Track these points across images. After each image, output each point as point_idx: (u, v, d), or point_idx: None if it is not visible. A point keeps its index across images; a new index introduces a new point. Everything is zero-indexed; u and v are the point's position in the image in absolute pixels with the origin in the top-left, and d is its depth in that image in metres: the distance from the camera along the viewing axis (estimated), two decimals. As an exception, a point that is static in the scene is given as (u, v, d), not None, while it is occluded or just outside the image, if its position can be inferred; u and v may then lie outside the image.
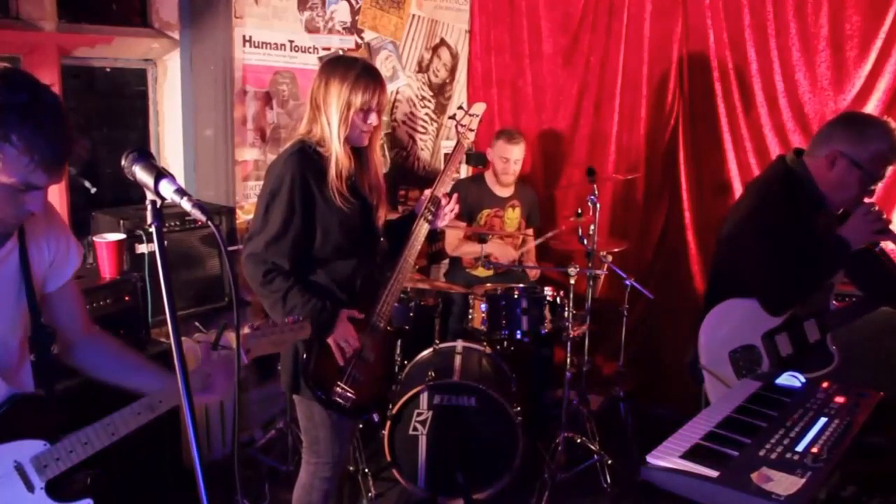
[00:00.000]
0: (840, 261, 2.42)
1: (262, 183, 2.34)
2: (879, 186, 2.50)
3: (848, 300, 2.78)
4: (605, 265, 3.61)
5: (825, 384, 2.01)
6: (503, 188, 4.10)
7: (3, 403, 1.54)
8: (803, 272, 2.39)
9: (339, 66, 2.25)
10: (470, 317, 3.56)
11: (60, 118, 1.39)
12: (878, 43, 3.51)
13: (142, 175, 1.33)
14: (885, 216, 2.40)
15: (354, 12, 4.11)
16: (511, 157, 3.98)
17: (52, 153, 1.37)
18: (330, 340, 2.25)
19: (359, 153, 2.32)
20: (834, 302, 2.61)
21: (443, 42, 4.70)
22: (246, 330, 1.79)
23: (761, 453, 1.60)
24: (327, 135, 2.23)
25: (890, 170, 2.43)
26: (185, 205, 1.29)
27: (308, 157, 2.23)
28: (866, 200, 2.47)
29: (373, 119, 2.26)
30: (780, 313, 2.48)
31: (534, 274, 4.13)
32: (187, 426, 1.27)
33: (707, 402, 2.53)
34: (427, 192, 2.50)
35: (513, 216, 4.16)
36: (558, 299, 3.54)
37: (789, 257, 2.39)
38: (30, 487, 1.53)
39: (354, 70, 2.23)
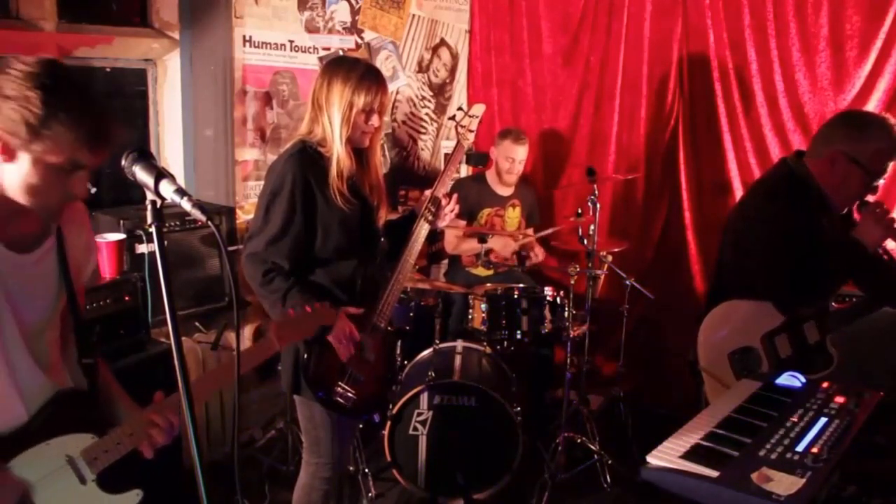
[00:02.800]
0: (858, 263, 2.42)
1: (262, 183, 2.35)
2: (882, 183, 2.49)
3: (848, 301, 2.78)
4: (605, 265, 3.61)
5: (825, 384, 2.01)
6: (504, 187, 4.11)
7: (50, 399, 1.58)
8: (821, 277, 2.39)
9: (341, 67, 2.25)
10: (470, 317, 3.56)
11: (102, 101, 1.48)
12: (878, 43, 3.52)
13: (142, 175, 1.33)
14: (891, 214, 2.40)
15: (354, 12, 4.12)
16: (517, 157, 3.99)
17: (98, 129, 1.43)
18: (331, 338, 2.25)
19: (359, 154, 2.32)
20: (833, 304, 2.61)
21: (443, 42, 4.70)
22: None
23: (761, 453, 1.60)
24: (329, 135, 2.23)
25: (892, 166, 2.43)
26: (185, 205, 1.29)
27: (309, 158, 2.23)
28: (870, 198, 2.47)
29: (374, 120, 2.26)
30: (791, 311, 2.47)
31: (541, 253, 4.07)
32: (187, 426, 1.27)
33: (707, 403, 2.52)
34: (427, 192, 2.50)
35: (513, 215, 4.16)
36: (558, 299, 3.54)
37: (800, 258, 2.40)
38: (82, 480, 1.57)
39: (357, 71, 2.23)
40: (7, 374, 1.51)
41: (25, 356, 1.55)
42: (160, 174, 1.31)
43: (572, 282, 3.41)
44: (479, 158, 4.26)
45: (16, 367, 1.53)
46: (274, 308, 2.23)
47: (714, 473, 1.51)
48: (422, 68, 4.60)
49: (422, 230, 2.46)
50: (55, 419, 1.57)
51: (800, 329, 2.49)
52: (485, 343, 3.52)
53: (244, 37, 3.58)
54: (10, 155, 1.40)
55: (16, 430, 1.54)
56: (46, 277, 1.58)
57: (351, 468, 3.20)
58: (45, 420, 1.56)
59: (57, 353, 1.64)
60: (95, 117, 1.43)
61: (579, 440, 3.48)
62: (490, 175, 4.14)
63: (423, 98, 4.65)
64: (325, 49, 3.96)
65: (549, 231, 3.85)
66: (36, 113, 1.36)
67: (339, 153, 2.22)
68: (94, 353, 1.69)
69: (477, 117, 2.70)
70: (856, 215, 2.51)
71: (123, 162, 1.37)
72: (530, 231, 4.19)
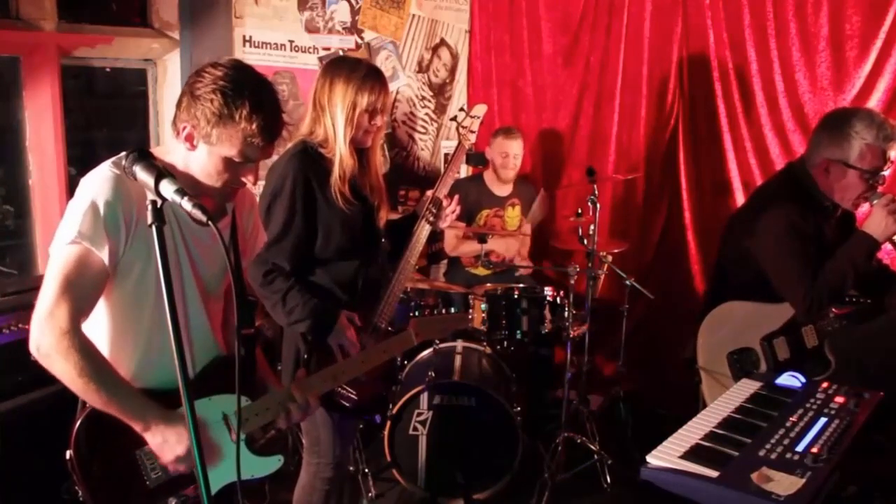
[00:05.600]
0: (871, 258, 2.42)
1: (262, 183, 2.34)
2: (887, 174, 2.47)
3: (847, 306, 2.77)
4: (605, 265, 3.61)
5: (825, 384, 2.01)
6: (502, 187, 4.11)
7: (213, 360, 1.77)
8: (835, 275, 2.39)
9: (343, 67, 2.25)
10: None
11: (277, 100, 1.65)
12: (878, 43, 3.52)
13: (142, 175, 1.33)
14: None
15: (354, 12, 4.11)
16: (511, 152, 3.99)
17: (266, 131, 1.59)
18: (331, 341, 2.25)
19: (360, 154, 2.32)
20: (833, 310, 2.61)
21: (443, 42, 4.70)
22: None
23: (761, 453, 1.60)
24: (331, 135, 2.23)
25: (892, 154, 2.42)
26: (186, 205, 1.29)
27: (310, 158, 2.23)
28: (880, 190, 2.45)
29: (377, 120, 2.26)
30: (813, 316, 2.47)
31: (530, 272, 4.11)
32: (187, 426, 1.28)
33: (704, 402, 2.53)
34: (429, 193, 2.50)
35: (513, 214, 4.16)
36: (558, 299, 3.54)
37: (816, 260, 2.41)
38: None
39: (360, 71, 2.23)
40: (183, 327, 1.65)
41: (202, 315, 1.75)
42: (160, 174, 1.31)
43: (572, 282, 3.41)
44: (479, 159, 4.26)
45: (191, 323, 1.72)
46: (275, 308, 2.23)
47: (714, 473, 1.51)
48: (422, 68, 4.60)
49: (423, 231, 2.46)
50: (216, 379, 1.72)
51: (799, 333, 2.49)
52: (485, 343, 3.52)
53: (244, 37, 3.58)
54: (193, 145, 1.60)
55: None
56: (219, 251, 1.73)
57: (351, 468, 3.20)
58: (208, 378, 1.73)
59: (220, 320, 1.84)
60: (265, 122, 1.58)
61: (579, 440, 3.48)
62: (488, 175, 4.14)
63: (423, 98, 4.65)
64: (325, 49, 3.96)
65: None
66: (215, 113, 1.56)
67: (341, 154, 2.22)
68: (253, 324, 1.86)
69: (478, 118, 2.69)
70: (869, 207, 2.49)
71: (124, 162, 1.37)
72: (527, 229, 4.19)
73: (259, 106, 1.57)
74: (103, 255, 1.53)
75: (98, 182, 1.57)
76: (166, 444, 1.59)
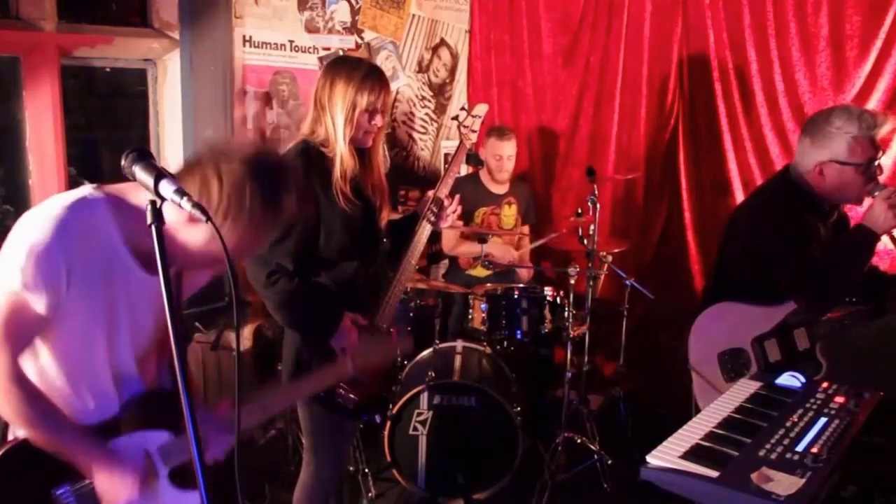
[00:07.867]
0: (871, 251, 2.40)
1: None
2: (882, 161, 2.45)
3: (841, 309, 2.76)
4: (605, 265, 3.61)
5: (825, 384, 2.01)
6: (498, 185, 4.11)
7: (137, 396, 1.69)
8: (839, 270, 2.38)
9: (344, 67, 2.25)
10: (470, 317, 3.56)
11: (286, 210, 1.54)
12: (878, 43, 3.52)
13: (142, 175, 1.33)
14: None
15: (354, 12, 4.12)
16: (503, 154, 3.98)
17: (268, 237, 1.58)
18: (333, 343, 2.24)
19: (361, 154, 2.32)
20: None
21: (443, 42, 4.70)
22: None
23: (761, 453, 1.60)
24: (332, 135, 2.23)
25: (880, 141, 2.40)
26: (185, 205, 1.28)
27: (312, 158, 2.22)
28: (882, 181, 2.44)
29: (378, 120, 2.26)
30: (821, 312, 2.46)
31: (528, 273, 4.12)
32: (187, 426, 1.27)
33: (695, 402, 2.53)
34: (430, 193, 2.50)
35: (509, 213, 4.16)
36: (558, 299, 3.54)
37: (818, 259, 2.41)
38: (155, 474, 1.66)
39: (360, 71, 2.23)
40: (109, 374, 1.63)
41: (130, 359, 1.68)
42: (160, 174, 1.31)
43: (572, 282, 3.41)
44: (478, 159, 4.26)
45: (119, 368, 1.66)
46: (278, 309, 2.23)
47: (714, 473, 1.51)
48: (422, 68, 4.60)
49: (424, 231, 2.46)
50: (139, 415, 1.67)
51: (790, 335, 2.49)
52: (485, 343, 3.52)
53: (244, 37, 3.58)
54: (194, 222, 1.49)
55: (105, 421, 1.64)
56: (161, 301, 1.64)
57: (351, 468, 3.20)
58: (130, 415, 1.68)
59: (155, 357, 1.77)
60: (273, 227, 1.54)
61: (579, 440, 3.48)
62: (484, 174, 4.14)
63: (423, 98, 4.65)
64: (325, 49, 3.96)
65: (547, 238, 3.87)
66: (232, 206, 1.47)
67: (342, 153, 2.22)
68: (185, 360, 1.76)
69: (479, 117, 2.69)
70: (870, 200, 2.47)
71: (123, 162, 1.36)
72: (525, 230, 4.19)
73: (272, 218, 1.52)
74: (40, 307, 1.48)
75: (47, 222, 1.46)
76: (112, 486, 1.55)
